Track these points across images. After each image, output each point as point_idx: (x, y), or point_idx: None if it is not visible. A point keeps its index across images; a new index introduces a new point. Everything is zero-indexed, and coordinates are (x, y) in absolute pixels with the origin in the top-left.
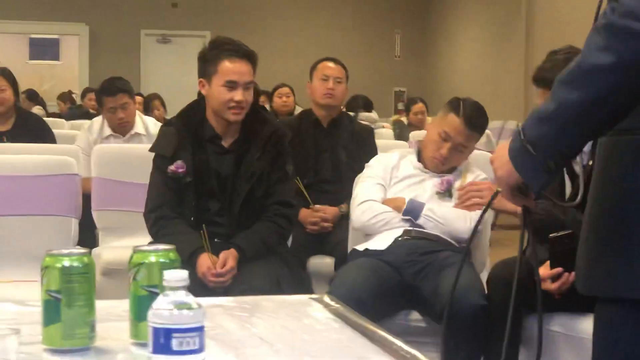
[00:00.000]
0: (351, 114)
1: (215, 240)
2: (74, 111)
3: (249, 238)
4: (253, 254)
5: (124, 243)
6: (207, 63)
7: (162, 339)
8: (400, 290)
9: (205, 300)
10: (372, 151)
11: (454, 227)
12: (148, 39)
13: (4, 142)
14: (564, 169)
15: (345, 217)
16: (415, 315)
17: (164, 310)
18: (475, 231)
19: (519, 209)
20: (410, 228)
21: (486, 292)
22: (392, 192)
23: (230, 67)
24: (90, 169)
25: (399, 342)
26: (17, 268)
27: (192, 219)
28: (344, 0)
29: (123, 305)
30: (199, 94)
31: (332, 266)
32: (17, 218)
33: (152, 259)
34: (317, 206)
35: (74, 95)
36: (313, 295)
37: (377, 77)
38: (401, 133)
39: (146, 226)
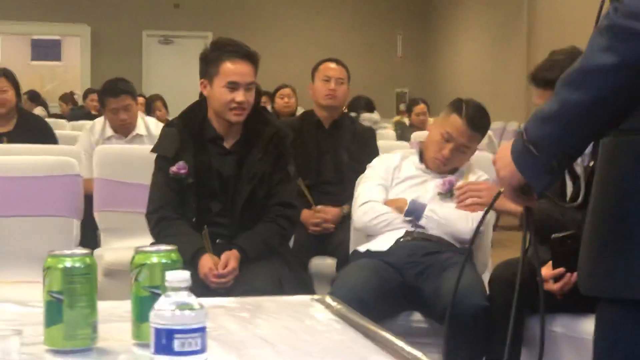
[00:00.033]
0: (353, 114)
1: (217, 241)
2: (76, 112)
3: (251, 239)
4: (255, 255)
5: (126, 244)
6: (208, 64)
7: (164, 340)
8: (402, 291)
9: (207, 301)
10: (373, 152)
11: (455, 228)
12: (150, 39)
13: (3, 143)
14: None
15: (347, 218)
16: (417, 316)
17: (165, 311)
18: (477, 232)
19: (519, 210)
20: (412, 229)
21: (488, 293)
22: (393, 192)
23: (231, 68)
24: (92, 170)
25: (400, 343)
26: (19, 269)
27: (193, 219)
28: (345, 1)
29: (125, 306)
30: (201, 94)
31: (333, 267)
32: (19, 219)
33: (154, 259)
34: (319, 207)
35: (75, 96)
36: (315, 296)
37: (378, 78)
38: (403, 134)
39: (148, 227)
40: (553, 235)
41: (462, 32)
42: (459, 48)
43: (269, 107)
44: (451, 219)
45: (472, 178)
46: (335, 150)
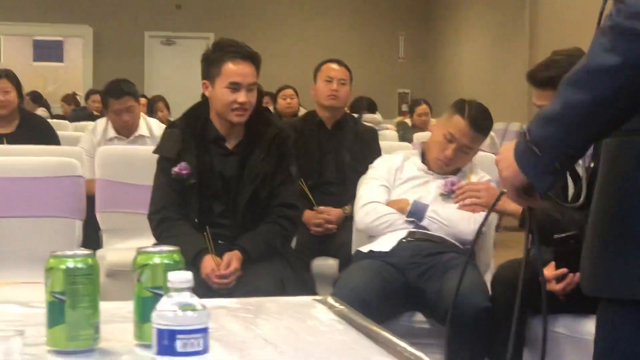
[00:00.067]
0: (355, 115)
1: (219, 241)
2: (78, 113)
3: (253, 240)
4: (257, 256)
5: (128, 245)
6: (210, 65)
7: (167, 341)
8: (404, 291)
9: (210, 302)
10: (376, 153)
11: (458, 229)
12: (152, 40)
13: (4, 144)
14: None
15: (349, 219)
16: (419, 317)
17: (168, 311)
18: (479, 232)
19: (519, 211)
20: (414, 230)
21: (490, 293)
22: (396, 193)
23: (233, 69)
24: (94, 171)
25: (403, 344)
26: (22, 269)
27: (196, 220)
28: (347, 2)
29: (127, 307)
30: (203, 95)
31: (336, 268)
32: (21, 220)
33: (157, 260)
34: (321, 208)
35: (77, 97)
36: (317, 297)
37: (380, 78)
38: (405, 134)
39: (150, 228)
40: (555, 236)
41: (463, 32)
42: (460, 49)
43: (271, 108)
44: (453, 220)
45: (474, 179)
46: (337, 151)
